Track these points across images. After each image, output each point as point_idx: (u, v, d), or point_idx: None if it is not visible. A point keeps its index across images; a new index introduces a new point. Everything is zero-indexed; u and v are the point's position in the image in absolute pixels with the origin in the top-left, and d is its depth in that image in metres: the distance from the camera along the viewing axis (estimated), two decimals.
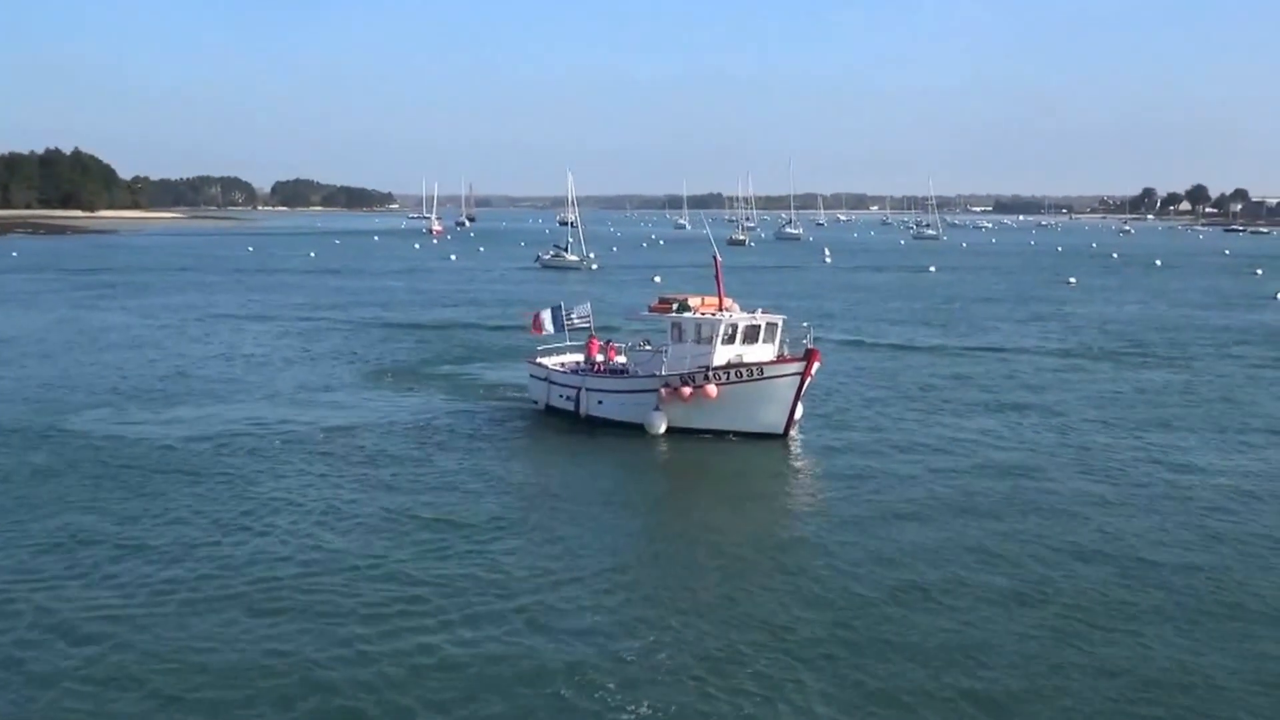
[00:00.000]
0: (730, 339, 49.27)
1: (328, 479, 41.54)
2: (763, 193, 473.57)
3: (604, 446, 48.15)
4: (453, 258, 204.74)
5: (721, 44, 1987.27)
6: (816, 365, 47.83)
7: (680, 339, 50.68)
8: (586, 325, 57.72)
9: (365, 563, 31.96)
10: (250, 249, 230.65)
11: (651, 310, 54.88)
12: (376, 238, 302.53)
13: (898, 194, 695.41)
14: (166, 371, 66.87)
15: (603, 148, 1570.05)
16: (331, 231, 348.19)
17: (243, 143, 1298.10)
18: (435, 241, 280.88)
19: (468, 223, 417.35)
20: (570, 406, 53.09)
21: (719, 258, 54.90)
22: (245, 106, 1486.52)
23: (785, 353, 49.89)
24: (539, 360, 56.46)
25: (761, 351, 49.61)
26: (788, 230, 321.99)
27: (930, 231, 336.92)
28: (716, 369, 48.13)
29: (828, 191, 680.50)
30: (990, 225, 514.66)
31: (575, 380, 53.50)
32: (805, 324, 53.57)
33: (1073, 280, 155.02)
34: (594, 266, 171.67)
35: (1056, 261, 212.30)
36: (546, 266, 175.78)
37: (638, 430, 49.32)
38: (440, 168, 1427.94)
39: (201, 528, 35.49)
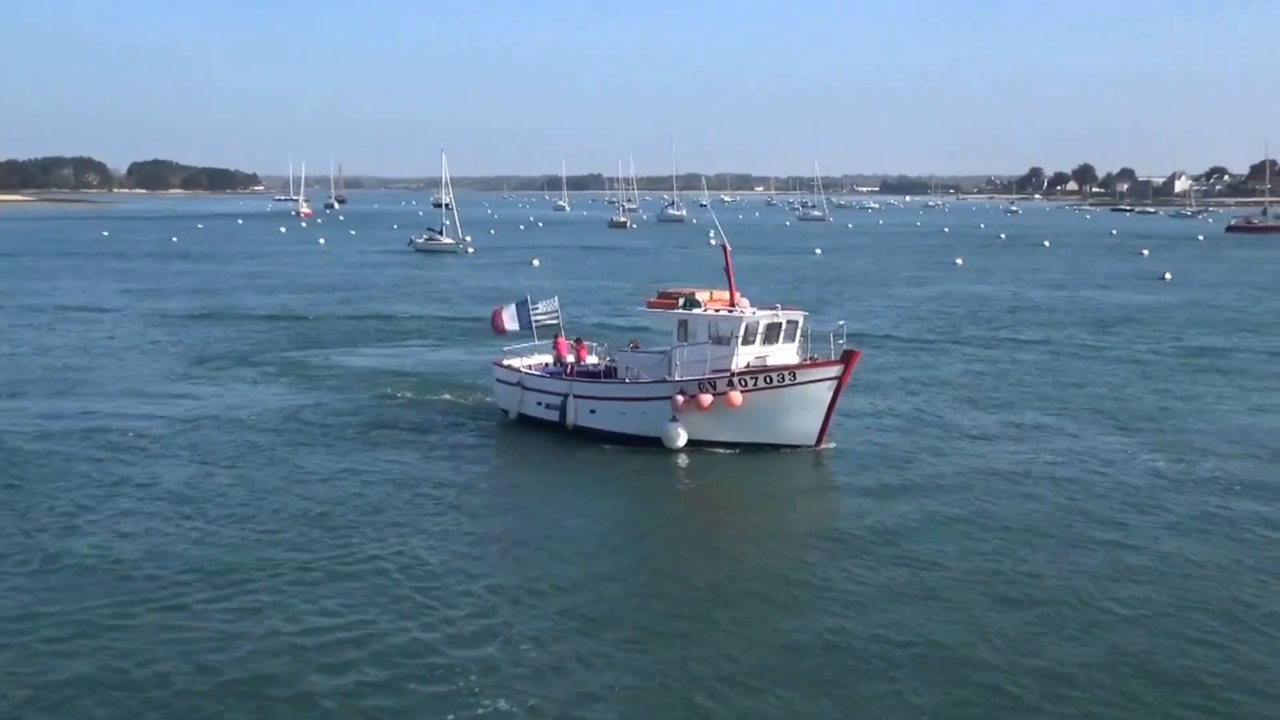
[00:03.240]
0: (750, 339, 44.94)
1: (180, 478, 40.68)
2: (645, 173, 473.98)
3: (604, 464, 43.50)
4: (322, 241, 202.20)
5: (599, 19, 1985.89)
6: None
7: (688, 339, 46.05)
8: (554, 322, 52.77)
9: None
10: (106, 234, 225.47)
11: (651, 306, 49.25)
12: (241, 221, 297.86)
13: (783, 174, 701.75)
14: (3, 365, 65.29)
15: (478, 127, 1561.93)
16: (194, 215, 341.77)
17: (96, 121, 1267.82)
18: (304, 225, 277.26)
19: (337, 205, 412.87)
20: (552, 416, 47.99)
21: (728, 247, 49.10)
22: (98, 82, 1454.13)
23: (812, 353, 45.91)
24: (508, 362, 51.62)
25: (784, 352, 45.64)
26: (670, 212, 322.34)
27: (816, 213, 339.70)
28: (743, 374, 43.92)
29: (711, 172, 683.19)
30: (877, 206, 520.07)
31: (559, 385, 48.38)
32: (841, 322, 49.32)
33: (959, 261, 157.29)
34: (470, 250, 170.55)
35: (944, 242, 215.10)
36: (420, 250, 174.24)
37: (641, 444, 44.86)
38: (308, 148, 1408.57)
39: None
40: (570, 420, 47.42)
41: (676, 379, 44.84)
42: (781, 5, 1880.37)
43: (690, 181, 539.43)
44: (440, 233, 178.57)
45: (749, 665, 25.25)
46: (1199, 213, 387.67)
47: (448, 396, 55.14)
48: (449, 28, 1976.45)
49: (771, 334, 45.42)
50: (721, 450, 44.25)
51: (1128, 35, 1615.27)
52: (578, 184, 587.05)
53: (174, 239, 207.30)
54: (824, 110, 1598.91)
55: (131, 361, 66.81)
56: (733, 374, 43.87)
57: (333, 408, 52.77)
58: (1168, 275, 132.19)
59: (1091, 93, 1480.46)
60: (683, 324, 46.43)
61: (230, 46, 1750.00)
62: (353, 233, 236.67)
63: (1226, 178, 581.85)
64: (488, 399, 53.55)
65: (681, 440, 44.47)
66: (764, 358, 44.92)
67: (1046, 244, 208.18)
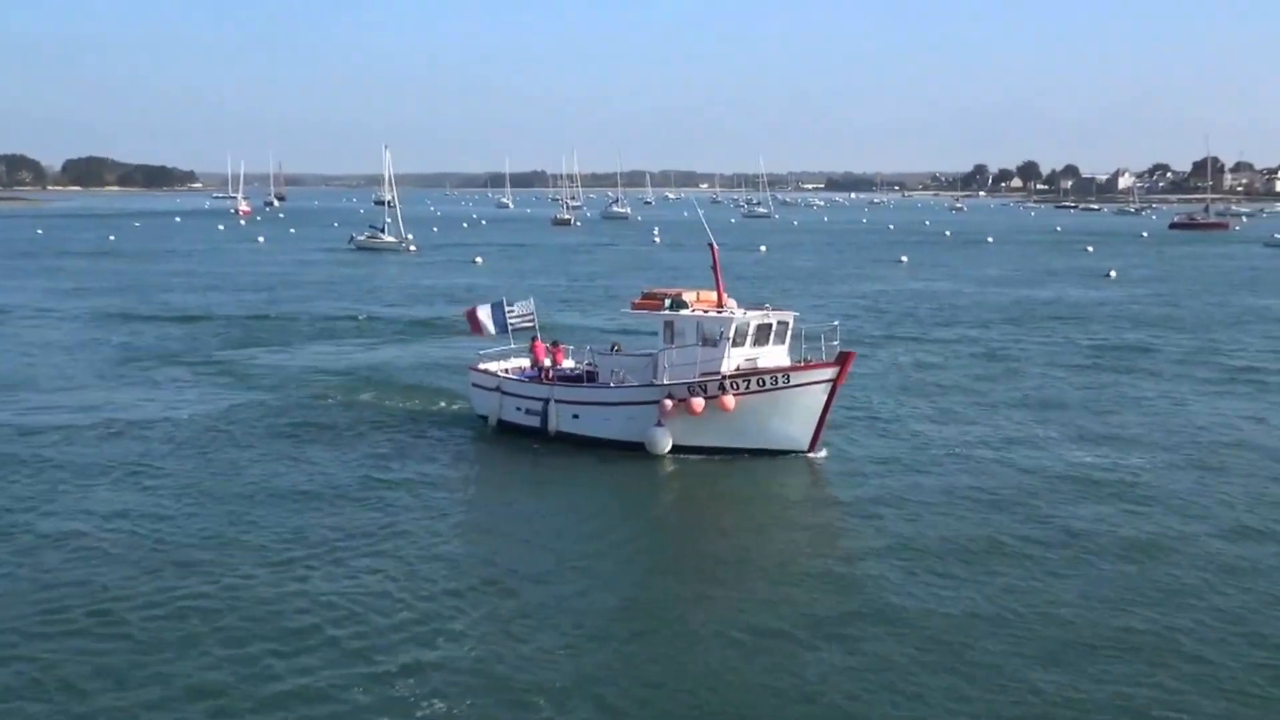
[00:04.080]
0: (740, 340, 43.95)
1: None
2: (589, 170, 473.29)
3: (588, 472, 42.55)
4: (261, 240, 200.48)
5: (538, 15, 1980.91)
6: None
7: (675, 340, 44.97)
8: (530, 324, 51.08)
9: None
10: (40, 232, 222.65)
11: (636, 307, 47.78)
12: (179, 219, 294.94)
13: (728, 171, 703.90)
14: None
15: (421, 123, 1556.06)
16: (130, 213, 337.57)
17: (29, 117, 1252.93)
18: (243, 222, 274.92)
19: (277, 202, 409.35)
20: (533, 422, 46.59)
21: (715, 246, 48.29)
22: (29, 77, 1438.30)
23: (806, 355, 44.94)
24: (485, 367, 50.09)
25: (774, 354, 44.78)
26: (615, 209, 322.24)
27: (762, 210, 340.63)
28: (735, 377, 42.97)
29: (656, 169, 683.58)
30: (823, 203, 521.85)
31: (540, 390, 47.09)
32: (835, 322, 47.99)
33: (904, 259, 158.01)
34: (412, 248, 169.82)
35: (889, 240, 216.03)
36: (362, 248, 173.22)
37: (627, 449, 43.67)
38: (247, 144, 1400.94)
39: None
40: (552, 426, 46.12)
41: (664, 383, 43.74)
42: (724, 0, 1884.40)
43: (634, 178, 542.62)
44: (382, 230, 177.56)
45: (737, 689, 24.39)
46: (1142, 209, 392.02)
47: (417, 402, 53.87)
48: (391, 23, 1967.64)
49: (762, 335, 44.44)
50: (710, 456, 43.13)
51: (1071, 33, 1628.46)
52: (521, 181, 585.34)
53: (111, 237, 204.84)
54: (769, 106, 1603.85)
55: (62, 361, 66.05)
56: (724, 377, 42.86)
57: (285, 411, 51.99)
58: (1113, 273, 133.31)
59: (1036, 90, 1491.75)
60: (669, 325, 45.35)
61: (167, 41, 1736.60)
62: (293, 231, 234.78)
63: (1169, 174, 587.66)
64: (454, 407, 52.53)
65: (667, 446, 43.30)
66: (754, 360, 43.93)
67: (991, 241, 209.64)
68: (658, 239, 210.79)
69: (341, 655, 25.78)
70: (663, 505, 39.84)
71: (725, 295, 46.46)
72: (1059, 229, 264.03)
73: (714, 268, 46.96)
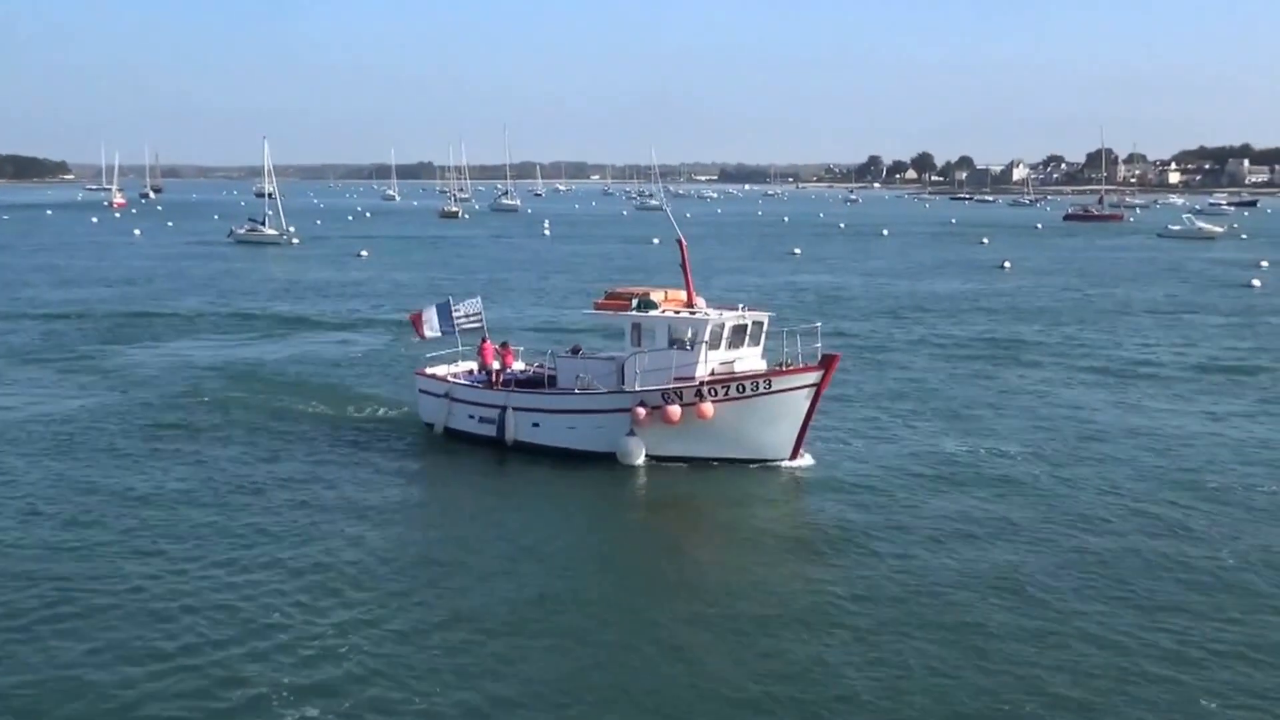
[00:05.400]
0: (715, 343, 42.26)
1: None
2: (477, 162, 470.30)
3: (551, 484, 40.57)
4: (137, 233, 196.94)
5: (425, 1, 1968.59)
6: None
7: (643, 343, 43.20)
8: (478, 325, 48.98)
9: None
10: None
11: (599, 308, 45.84)
12: (50, 212, 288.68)
13: (620, 162, 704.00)
14: None
15: (303, 113, 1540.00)
16: None
17: None
18: (117, 215, 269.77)
19: (153, 194, 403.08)
20: (488, 431, 44.74)
21: (683, 241, 45.82)
22: None
23: (786, 359, 42.75)
24: (432, 371, 48.23)
25: (750, 357, 43.36)
26: (504, 201, 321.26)
27: (654, 202, 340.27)
28: (713, 382, 41.35)
29: (546, 160, 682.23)
30: (715, 195, 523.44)
31: (495, 396, 45.15)
32: (818, 323, 46.93)
33: (798, 251, 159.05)
34: (294, 241, 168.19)
35: (783, 232, 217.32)
36: (241, 242, 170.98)
37: (593, 460, 42.00)
38: (121, 134, 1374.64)
39: None
40: (509, 435, 44.18)
41: (636, 389, 41.80)
42: None
43: (524, 170, 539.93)
44: (263, 223, 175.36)
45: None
46: (1037, 201, 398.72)
47: (323, 407, 51.41)
48: (271, 9, 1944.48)
49: (737, 337, 42.89)
50: (684, 467, 41.54)
51: (966, 24, 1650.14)
52: (408, 173, 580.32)
53: None
54: (661, 98, 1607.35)
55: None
56: (701, 383, 41.35)
57: (167, 413, 50.60)
58: (1007, 264, 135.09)
59: (930, 81, 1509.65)
60: (636, 327, 43.55)
61: (36, 26, 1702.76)
62: (170, 224, 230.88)
63: (1064, 166, 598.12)
64: (384, 411, 50.73)
65: (640, 457, 41.70)
66: (730, 364, 42.46)
67: (886, 233, 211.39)
68: (548, 231, 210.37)
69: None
70: (637, 519, 38.16)
71: (695, 295, 44.82)
72: (954, 220, 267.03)
73: (683, 265, 45.17)
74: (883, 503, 37.76)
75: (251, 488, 39.11)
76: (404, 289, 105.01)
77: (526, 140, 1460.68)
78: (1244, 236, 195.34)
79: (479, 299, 50.32)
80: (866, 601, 29.27)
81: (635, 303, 43.91)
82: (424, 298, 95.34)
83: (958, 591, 29.86)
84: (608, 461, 41.91)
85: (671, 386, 41.38)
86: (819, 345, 42.70)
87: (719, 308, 44.33)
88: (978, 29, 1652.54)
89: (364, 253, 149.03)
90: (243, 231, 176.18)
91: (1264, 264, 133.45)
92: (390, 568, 31.69)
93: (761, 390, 41.19)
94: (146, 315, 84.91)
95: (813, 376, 41.13)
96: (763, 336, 43.93)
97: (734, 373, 42.10)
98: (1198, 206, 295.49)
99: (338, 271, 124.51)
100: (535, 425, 43.97)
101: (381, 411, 51.00)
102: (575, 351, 46.62)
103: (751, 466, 41.51)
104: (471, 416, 45.49)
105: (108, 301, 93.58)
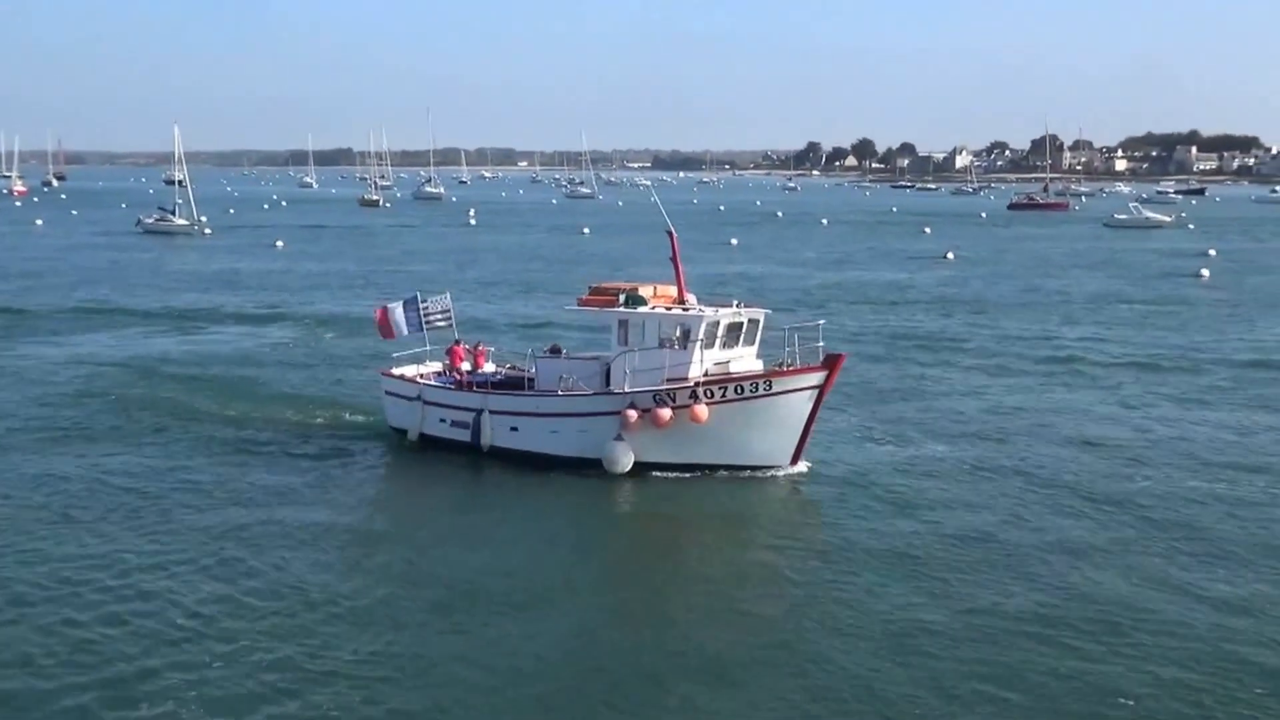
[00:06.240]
0: (709, 341, 41.04)
1: None
2: (399, 148, 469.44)
3: (532, 494, 39.51)
4: (39, 223, 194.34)
5: None
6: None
7: (630, 341, 41.43)
8: (447, 323, 47.52)
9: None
10: None
11: (583, 303, 44.35)
12: None
13: (549, 149, 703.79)
14: None
15: (216, 97, 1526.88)
16: None
17: None
18: (18, 204, 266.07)
19: (56, 182, 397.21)
20: (462, 436, 43.26)
21: (674, 233, 44.49)
22: None
23: (787, 358, 41.26)
24: (400, 372, 46.42)
25: (745, 356, 42.06)
26: (428, 189, 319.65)
27: (585, 189, 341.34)
28: (708, 383, 40.07)
29: (471, 146, 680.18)
30: (649, 183, 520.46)
31: (471, 400, 43.62)
32: (821, 320, 45.94)
33: (734, 241, 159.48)
34: (206, 231, 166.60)
35: (719, 220, 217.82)
36: (150, 232, 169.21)
37: (577, 467, 40.77)
38: (22, 119, 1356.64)
39: None
40: (485, 441, 42.75)
41: (626, 390, 40.50)
42: None
43: (449, 156, 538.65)
44: (172, 212, 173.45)
45: None
46: (981, 189, 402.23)
47: (252, 411, 49.89)
48: None
49: (731, 335, 41.58)
50: (674, 475, 40.32)
51: (908, 7, 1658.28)
52: (326, 159, 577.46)
53: None
54: (592, 82, 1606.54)
55: None
56: (696, 384, 40.05)
57: (79, 414, 49.77)
58: (950, 254, 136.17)
59: (871, 66, 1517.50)
60: (623, 324, 41.79)
61: None
62: (75, 213, 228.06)
63: (1008, 153, 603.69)
64: (350, 416, 49.23)
65: (628, 463, 40.32)
66: (725, 363, 41.15)
67: (825, 222, 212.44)
68: (473, 220, 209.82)
69: None
70: (625, 533, 37.35)
71: (686, 290, 43.37)
72: (895, 209, 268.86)
73: (673, 258, 43.74)
74: (894, 513, 36.66)
75: (171, 501, 38.05)
76: (321, 281, 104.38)
77: (451, 126, 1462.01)
78: (1192, 226, 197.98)
79: (448, 295, 48.89)
80: (882, 641, 27.32)
81: (623, 298, 42.37)
82: (343, 291, 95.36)
83: (999, 634, 27.75)
84: (593, 469, 40.61)
85: (664, 388, 40.09)
86: (821, 344, 41.70)
87: (712, 304, 43.13)
88: (920, 12, 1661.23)
89: (280, 243, 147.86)
90: (151, 221, 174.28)
91: (1212, 253, 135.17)
92: (351, 589, 30.36)
93: (761, 392, 39.95)
94: (47, 309, 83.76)
95: (816, 378, 39.96)
96: (758, 335, 42.63)
97: (730, 373, 40.87)
98: (1145, 195, 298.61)
99: (252, 262, 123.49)
100: (514, 429, 42.55)
101: (314, 412, 50.08)
102: (555, 351, 45.45)
103: (748, 474, 40.51)
104: (443, 420, 44.00)
105: (4, 295, 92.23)
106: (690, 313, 41.41)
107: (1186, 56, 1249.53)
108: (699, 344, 40.51)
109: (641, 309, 41.81)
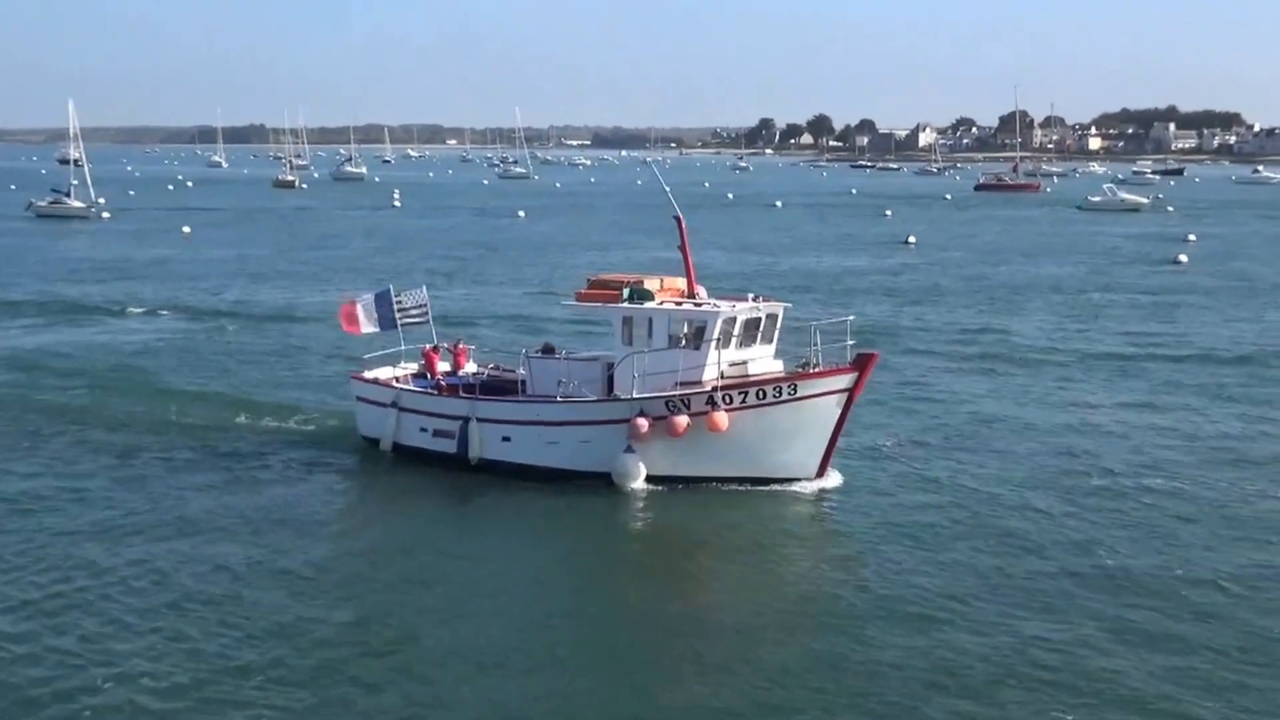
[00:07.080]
0: (725, 340, 39.37)
1: None
2: (317, 124, 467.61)
3: (529, 514, 37.66)
4: None
5: None
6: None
7: (636, 340, 39.79)
8: (424, 319, 45.71)
9: None
10: None
11: (582, 298, 42.25)
12: None
13: (480, 125, 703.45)
14: None
15: (115, 69, 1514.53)
16: None
17: None
18: None
19: None
20: (446, 447, 41.41)
21: (681, 219, 43.20)
22: None
23: (814, 357, 39.66)
24: (374, 375, 44.64)
25: (763, 356, 40.52)
26: (348, 169, 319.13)
27: (519, 169, 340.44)
28: (727, 387, 38.48)
29: (396, 123, 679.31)
30: (589, 162, 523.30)
31: (456, 406, 41.69)
32: (851, 316, 44.28)
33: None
34: (105, 215, 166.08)
35: (664, 203, 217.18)
36: (43, 215, 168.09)
37: (580, 483, 39.20)
38: None
39: None
40: (474, 453, 40.90)
41: (635, 395, 39.00)
42: None
43: (371, 134, 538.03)
44: (67, 194, 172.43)
45: None
46: (946, 169, 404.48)
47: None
48: None
49: (749, 332, 40.07)
50: (691, 489, 38.98)
51: None
52: (237, 136, 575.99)
53: None
54: (526, 52, 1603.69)
55: None
56: (714, 388, 38.53)
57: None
58: (912, 239, 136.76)
59: (827, 36, 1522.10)
60: (628, 321, 40.06)
61: None
62: None
63: (975, 130, 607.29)
64: (298, 421, 47.84)
65: (640, 477, 38.87)
66: (743, 364, 39.55)
67: (780, 205, 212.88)
68: (398, 202, 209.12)
69: None
70: (635, 556, 35.93)
71: (696, 283, 41.86)
72: (854, 191, 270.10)
73: (682, 247, 42.16)
74: (933, 534, 35.29)
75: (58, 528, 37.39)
76: (231, 269, 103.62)
77: (373, 101, 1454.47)
78: (1170, 209, 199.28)
79: (424, 289, 47.22)
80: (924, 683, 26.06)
81: (627, 292, 40.63)
82: (253, 282, 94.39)
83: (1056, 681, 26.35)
84: (598, 484, 39.08)
85: (677, 393, 38.66)
86: (852, 342, 40.27)
87: (726, 298, 41.78)
88: None
89: (187, 228, 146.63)
90: (44, 204, 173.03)
91: (1191, 238, 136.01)
92: (322, 621, 28.84)
93: (785, 397, 38.51)
94: None
95: (845, 380, 38.58)
96: (776, 331, 41.18)
97: (750, 376, 39.39)
98: (1120, 175, 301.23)
99: (154, 249, 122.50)
100: (506, 440, 40.76)
101: (234, 412, 49.02)
102: (548, 350, 43.47)
103: (770, 488, 39.15)
104: (424, 429, 42.34)
105: None
106: (704, 308, 39.84)
107: (1165, 27, 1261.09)
108: (714, 343, 38.93)
109: (648, 304, 40.15)
